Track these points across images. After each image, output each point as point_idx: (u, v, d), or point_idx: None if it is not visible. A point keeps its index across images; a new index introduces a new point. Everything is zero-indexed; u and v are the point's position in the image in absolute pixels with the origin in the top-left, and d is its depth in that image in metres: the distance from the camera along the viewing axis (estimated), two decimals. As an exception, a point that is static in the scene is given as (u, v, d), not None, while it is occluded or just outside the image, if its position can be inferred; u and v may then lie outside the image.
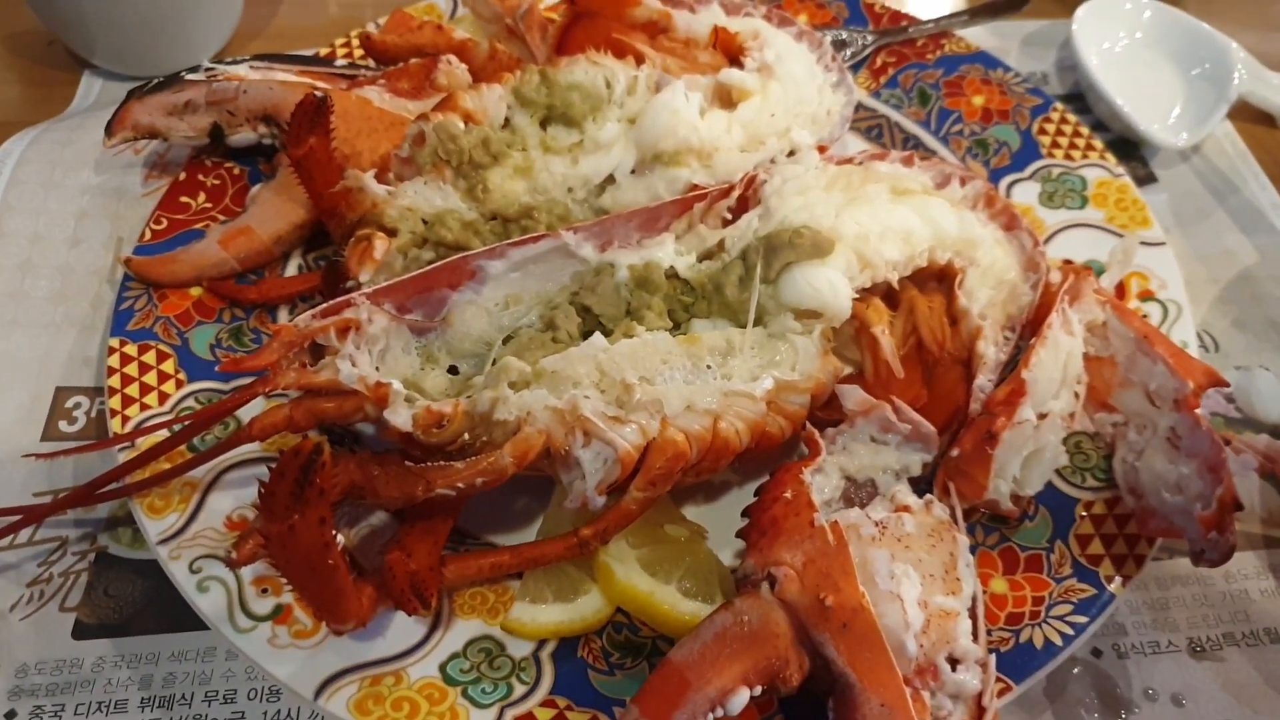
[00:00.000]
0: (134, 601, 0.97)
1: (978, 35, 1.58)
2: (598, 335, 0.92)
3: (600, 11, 1.26)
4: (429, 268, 0.95)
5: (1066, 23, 1.56)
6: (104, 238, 1.25)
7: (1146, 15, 1.60)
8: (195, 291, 1.12)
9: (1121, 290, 1.15)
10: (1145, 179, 1.43)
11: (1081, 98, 1.53)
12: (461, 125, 1.08)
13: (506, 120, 1.13)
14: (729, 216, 1.05)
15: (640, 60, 1.21)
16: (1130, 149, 1.46)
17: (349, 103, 1.20)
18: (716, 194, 1.05)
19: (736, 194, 1.05)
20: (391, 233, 1.04)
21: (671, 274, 1.01)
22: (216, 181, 1.24)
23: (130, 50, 1.51)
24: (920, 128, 1.40)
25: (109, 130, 1.20)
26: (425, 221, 1.05)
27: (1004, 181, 1.31)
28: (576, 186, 1.11)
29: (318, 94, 1.05)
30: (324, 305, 0.89)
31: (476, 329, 0.96)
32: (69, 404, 1.11)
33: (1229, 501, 0.82)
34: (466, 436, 0.84)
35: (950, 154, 1.37)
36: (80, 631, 0.95)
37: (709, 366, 0.93)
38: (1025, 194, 1.30)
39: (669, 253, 1.02)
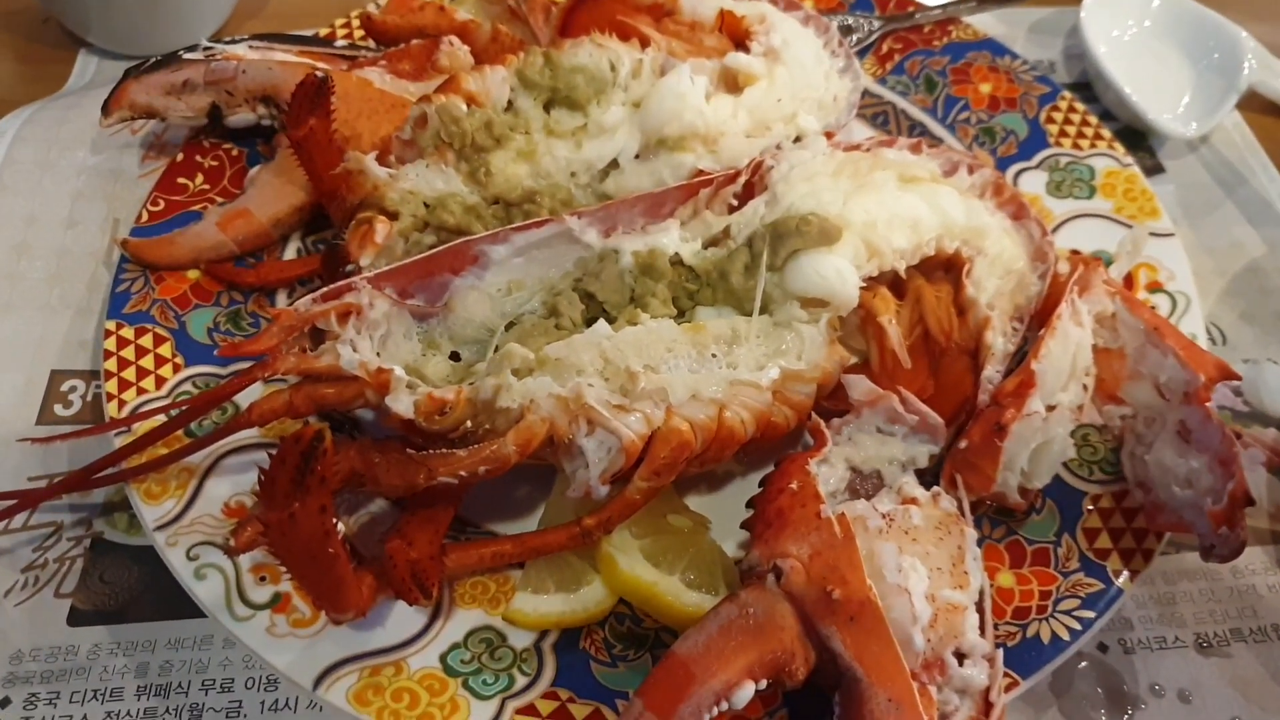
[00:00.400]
0: (130, 588, 0.95)
1: (984, 22, 1.56)
2: (602, 323, 0.90)
3: (604, -6, 1.24)
4: (431, 252, 0.94)
5: (1074, 10, 1.54)
6: (100, 219, 1.23)
7: (1156, 4, 1.58)
8: (192, 274, 1.10)
9: (1130, 281, 1.14)
10: (1152, 169, 1.42)
11: (1089, 86, 1.52)
12: (464, 107, 1.07)
13: (509, 103, 1.11)
14: (735, 203, 1.04)
15: (645, 43, 1.19)
16: (1138, 139, 1.45)
17: (349, 84, 1.18)
18: (722, 180, 1.03)
19: (743, 180, 1.03)
20: (393, 216, 1.03)
21: (676, 261, 0.99)
22: (214, 163, 1.22)
23: (126, 28, 1.49)
24: (927, 115, 1.39)
25: (106, 109, 1.18)
26: (427, 205, 1.04)
27: (1011, 170, 1.30)
28: (580, 171, 1.10)
29: (318, 74, 1.04)
30: (324, 289, 0.88)
31: (479, 315, 0.94)
32: (64, 387, 1.09)
33: (1240, 496, 0.81)
34: (469, 424, 0.83)
35: (957, 142, 1.35)
36: (75, 618, 0.93)
37: (714, 355, 0.91)
38: (1032, 183, 1.28)
39: (674, 239, 1.00)
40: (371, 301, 0.89)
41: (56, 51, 1.53)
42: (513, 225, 0.97)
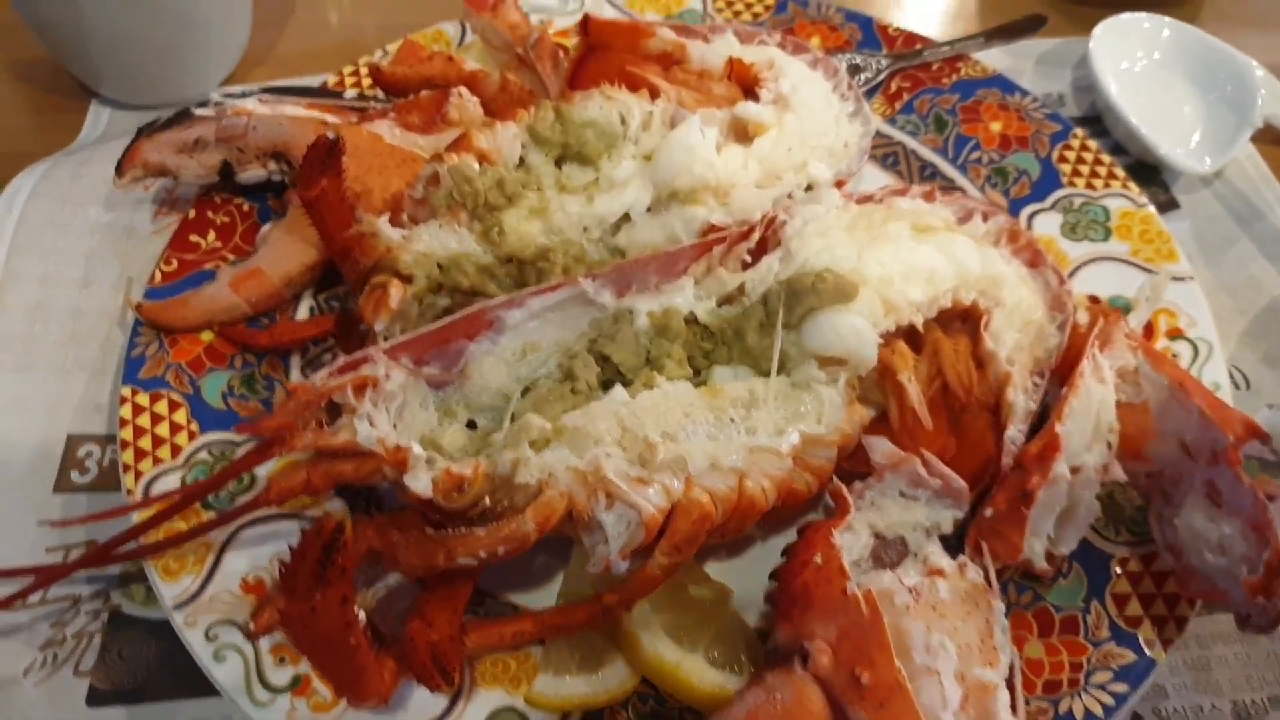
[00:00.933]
0: (148, 664, 0.95)
1: (992, 56, 1.55)
2: (618, 388, 0.90)
3: (613, 44, 1.24)
4: (446, 320, 0.93)
5: (1083, 40, 1.53)
6: (114, 278, 1.23)
7: (1165, 34, 1.57)
8: (206, 336, 1.10)
9: (1150, 330, 1.13)
10: (1167, 205, 1.41)
11: (1099, 119, 1.51)
12: (476, 166, 1.06)
13: (521, 159, 1.11)
14: (749, 259, 1.03)
15: (655, 93, 1.19)
16: (1151, 173, 1.43)
17: (360, 139, 1.18)
18: (736, 236, 1.03)
19: (756, 236, 1.03)
20: (406, 278, 1.02)
21: (691, 319, 0.99)
22: (226, 219, 1.22)
23: (137, 79, 1.50)
24: (937, 155, 1.38)
25: (119, 169, 1.18)
26: (440, 266, 1.03)
27: (1025, 212, 1.29)
28: (592, 226, 1.09)
29: (330, 135, 1.04)
30: (340, 362, 0.87)
31: (494, 381, 0.94)
32: (80, 452, 1.09)
33: (1277, 565, 0.80)
34: (487, 500, 0.82)
35: (969, 183, 1.34)
36: (95, 698, 0.93)
37: (732, 420, 0.91)
38: (1047, 225, 1.27)
39: (688, 297, 1.00)
40: (388, 373, 0.88)
41: (69, 101, 1.53)
42: (528, 289, 0.97)
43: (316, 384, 0.85)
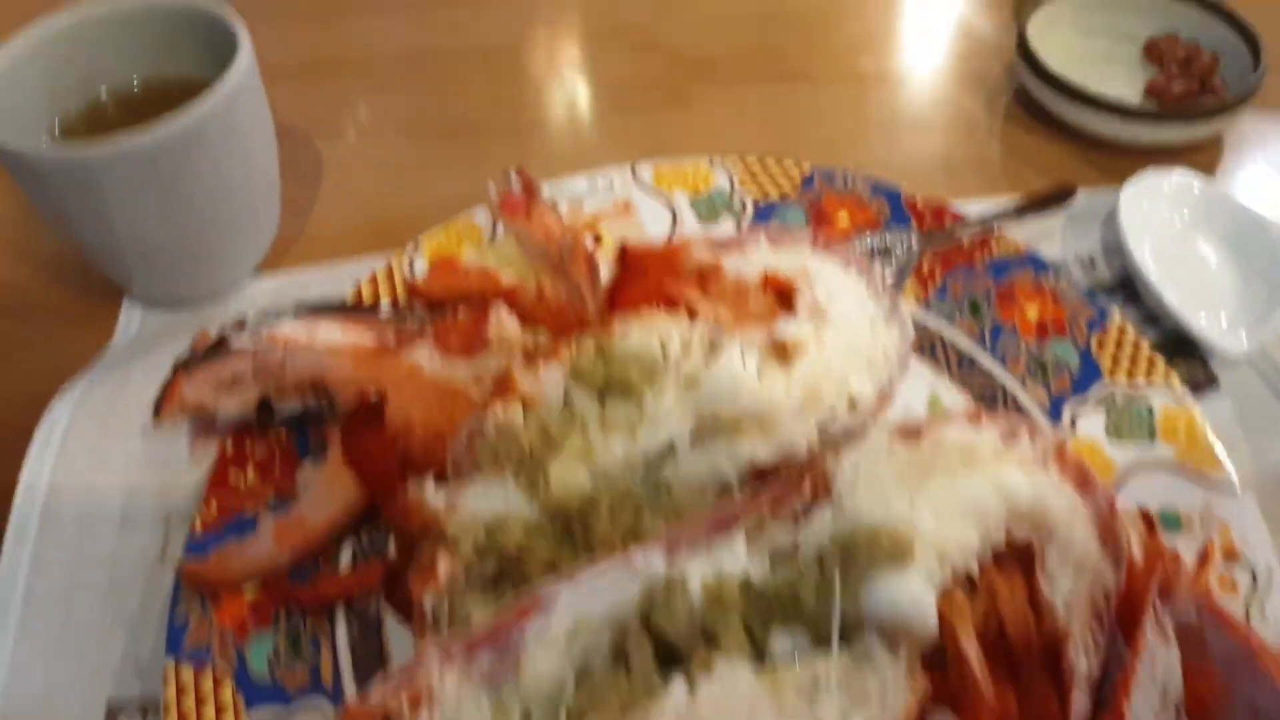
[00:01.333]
0: None
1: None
2: (678, 685, 0.88)
3: (651, 268, 1.25)
4: (498, 613, 0.92)
5: (1113, 190, 1.54)
6: (151, 516, 1.22)
7: (1195, 192, 1.57)
8: (249, 594, 1.09)
9: (1205, 556, 1.11)
10: (1206, 383, 1.39)
11: (1131, 284, 1.50)
12: (521, 418, 1.06)
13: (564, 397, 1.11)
14: (800, 510, 1.02)
15: (693, 313, 1.20)
16: (1188, 347, 1.42)
17: (399, 373, 1.19)
18: (784, 489, 1.02)
19: (807, 491, 1.02)
20: (453, 543, 1.02)
21: (745, 582, 0.97)
22: (264, 454, 1.22)
23: (168, 281, 1.51)
24: (975, 346, 1.37)
25: (157, 411, 1.19)
26: (486, 530, 1.03)
27: (1067, 412, 1.28)
28: (636, 462, 1.08)
29: (372, 395, 1.04)
30: (395, 675, 0.86)
31: (547, 669, 0.92)
32: (122, 721, 1.07)
33: None
34: (549, 827, 0.81)
35: (1009, 375, 1.34)
36: None
37: (796, 712, 0.89)
38: (1091, 426, 1.26)
39: (739, 557, 0.98)
40: (443, 677, 0.87)
41: (102, 302, 1.54)
42: (577, 566, 0.96)
43: (374, 701, 0.83)
